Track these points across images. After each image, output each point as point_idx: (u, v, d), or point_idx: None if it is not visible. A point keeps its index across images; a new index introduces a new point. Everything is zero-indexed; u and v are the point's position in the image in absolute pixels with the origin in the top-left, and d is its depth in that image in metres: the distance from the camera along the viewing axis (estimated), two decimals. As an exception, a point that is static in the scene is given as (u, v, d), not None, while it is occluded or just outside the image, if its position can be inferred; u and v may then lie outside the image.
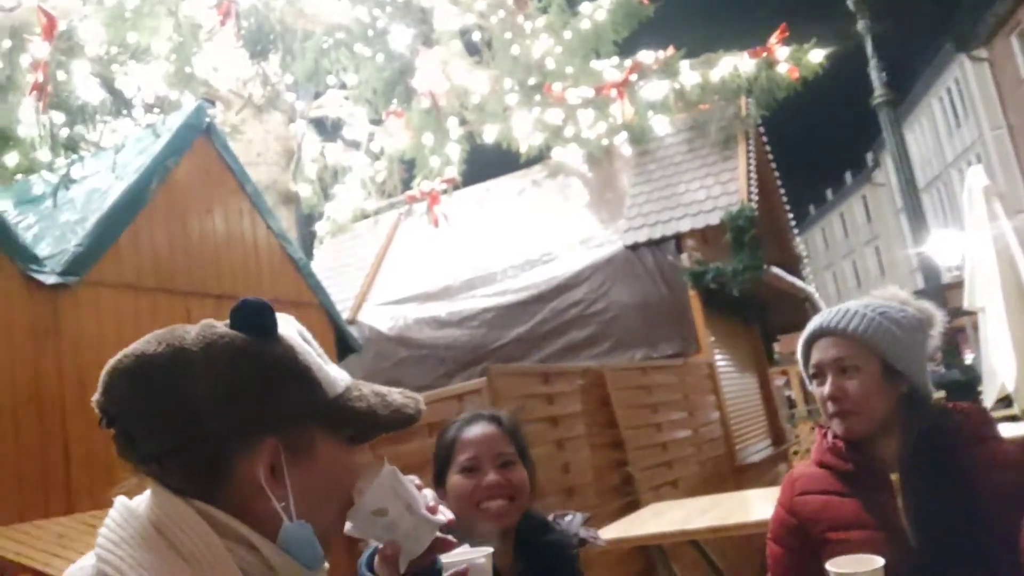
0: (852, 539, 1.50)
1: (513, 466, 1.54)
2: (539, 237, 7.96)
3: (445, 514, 0.94)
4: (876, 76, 8.07)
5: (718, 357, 7.15)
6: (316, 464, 0.84)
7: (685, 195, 7.46)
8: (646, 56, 7.72)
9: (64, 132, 4.89)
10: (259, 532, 0.80)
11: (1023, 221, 5.03)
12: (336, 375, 0.88)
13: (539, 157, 8.38)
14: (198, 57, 5.53)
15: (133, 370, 0.80)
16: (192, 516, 0.77)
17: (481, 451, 1.53)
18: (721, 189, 7.32)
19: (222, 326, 0.84)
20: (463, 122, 7.88)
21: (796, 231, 10.28)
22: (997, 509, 1.43)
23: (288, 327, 0.87)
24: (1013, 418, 5.59)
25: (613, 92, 7.56)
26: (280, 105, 6.97)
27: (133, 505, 0.81)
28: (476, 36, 7.92)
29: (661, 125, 7.90)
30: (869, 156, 37.71)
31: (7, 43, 4.99)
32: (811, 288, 9.66)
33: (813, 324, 1.67)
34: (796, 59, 7.33)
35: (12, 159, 5.00)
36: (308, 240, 9.15)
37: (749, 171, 7.37)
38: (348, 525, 0.90)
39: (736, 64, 7.35)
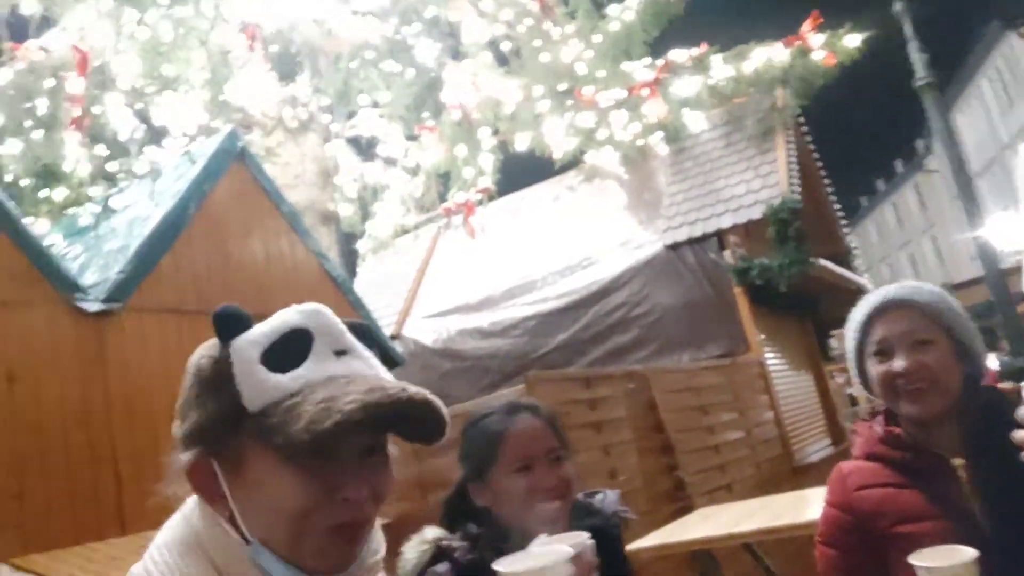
0: (923, 531, 1.42)
1: (562, 462, 1.48)
2: (577, 242, 7.89)
3: None
4: (917, 58, 7.82)
5: (769, 355, 6.96)
6: (246, 479, 0.78)
7: (724, 190, 7.32)
8: (678, 55, 7.62)
9: (104, 164, 5.04)
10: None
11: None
12: (285, 382, 0.77)
13: (573, 162, 8.32)
14: (230, 84, 5.65)
15: None
16: (223, 528, 0.78)
17: (533, 449, 1.47)
18: (761, 182, 7.16)
19: None
20: (495, 132, 7.88)
21: (846, 224, 9.99)
22: None
23: (266, 326, 0.84)
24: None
25: (645, 91, 7.46)
26: (315, 127, 7.07)
27: (188, 510, 0.82)
28: (505, 46, 7.93)
29: (696, 121, 7.77)
30: (920, 144, 36.61)
31: (51, 82, 5.18)
32: (864, 280, 9.36)
33: (877, 297, 1.58)
34: (831, 45, 7.14)
35: (60, 193, 5.17)
36: (350, 258, 9.25)
37: (790, 162, 7.19)
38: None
39: (769, 55, 7.19)
